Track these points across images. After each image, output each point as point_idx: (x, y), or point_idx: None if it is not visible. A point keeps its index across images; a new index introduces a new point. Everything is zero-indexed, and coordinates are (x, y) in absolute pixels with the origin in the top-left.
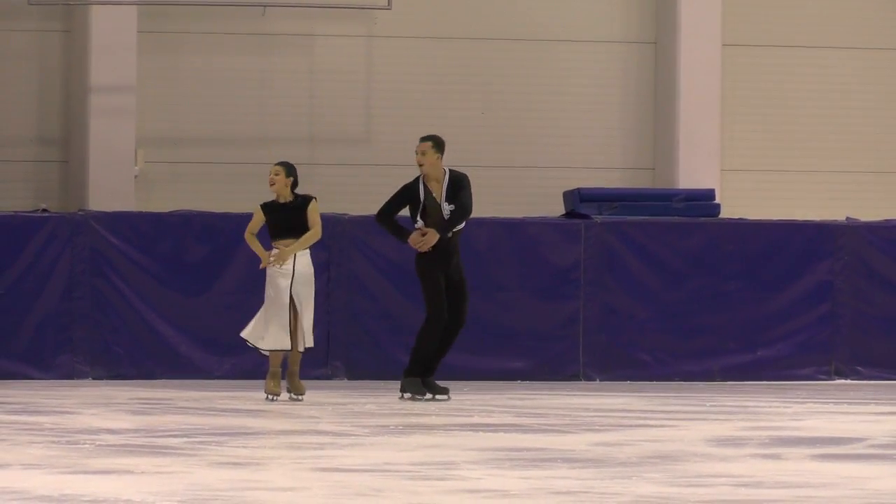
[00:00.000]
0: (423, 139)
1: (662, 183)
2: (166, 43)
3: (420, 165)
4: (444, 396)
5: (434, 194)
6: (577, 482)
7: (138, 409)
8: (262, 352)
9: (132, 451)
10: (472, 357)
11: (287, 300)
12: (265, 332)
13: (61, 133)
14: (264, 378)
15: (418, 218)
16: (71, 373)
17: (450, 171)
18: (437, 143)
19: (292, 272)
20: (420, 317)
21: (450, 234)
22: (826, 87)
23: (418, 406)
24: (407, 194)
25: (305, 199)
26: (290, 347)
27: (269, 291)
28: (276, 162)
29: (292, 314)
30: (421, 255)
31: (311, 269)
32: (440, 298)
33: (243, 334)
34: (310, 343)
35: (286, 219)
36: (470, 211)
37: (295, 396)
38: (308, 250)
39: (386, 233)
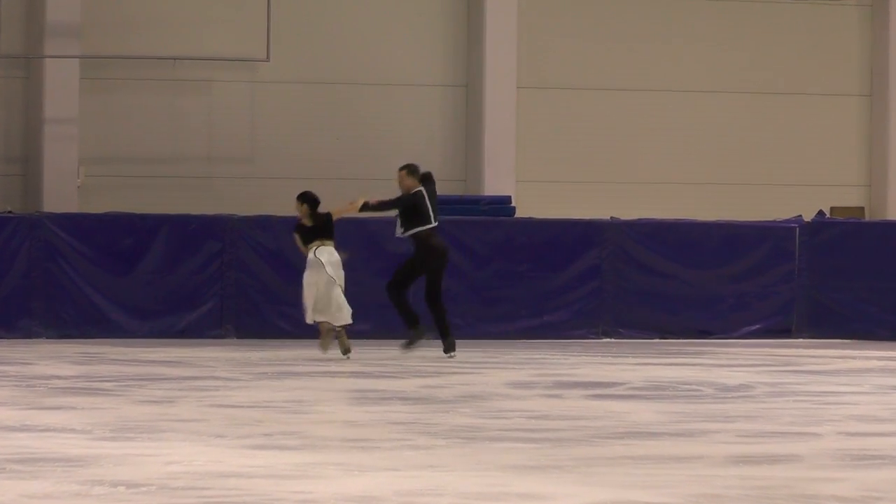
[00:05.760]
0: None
1: (472, 191)
2: (101, 86)
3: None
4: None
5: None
6: (409, 415)
7: (80, 361)
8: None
9: (75, 392)
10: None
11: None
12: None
13: (22, 153)
14: (178, 337)
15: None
16: (30, 333)
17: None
18: (410, 171)
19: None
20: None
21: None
22: (595, 119)
23: (289, 357)
24: None
25: (328, 216)
26: None
27: (330, 276)
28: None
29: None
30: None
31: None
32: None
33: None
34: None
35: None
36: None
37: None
38: (332, 245)
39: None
